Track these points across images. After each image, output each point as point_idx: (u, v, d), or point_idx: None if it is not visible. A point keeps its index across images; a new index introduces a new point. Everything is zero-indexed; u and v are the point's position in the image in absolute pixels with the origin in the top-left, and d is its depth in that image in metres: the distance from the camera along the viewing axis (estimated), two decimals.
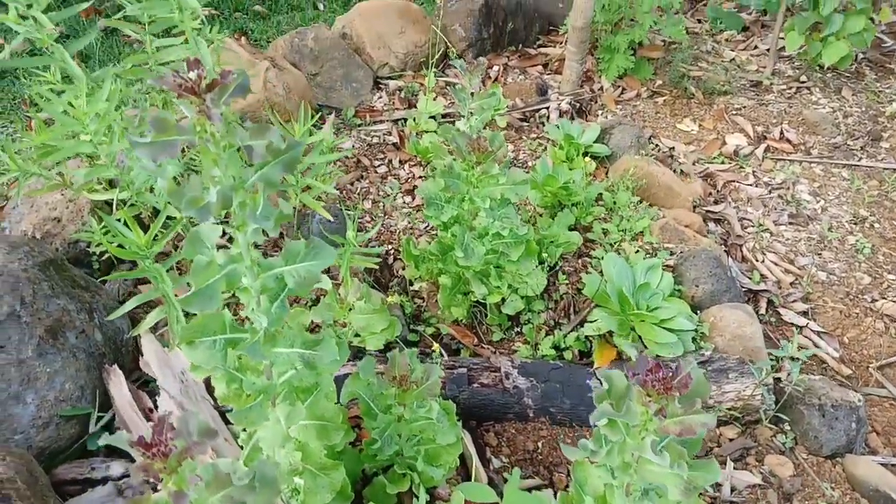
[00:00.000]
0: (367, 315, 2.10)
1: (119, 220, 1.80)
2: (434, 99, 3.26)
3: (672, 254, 2.53)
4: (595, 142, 3.07)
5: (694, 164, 3.42)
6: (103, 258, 2.29)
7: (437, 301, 2.36)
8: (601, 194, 2.75)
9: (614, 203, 2.71)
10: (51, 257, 2.03)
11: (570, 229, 2.57)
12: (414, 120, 3.22)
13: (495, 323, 2.33)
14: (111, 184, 2.16)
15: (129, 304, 1.84)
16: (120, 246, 1.77)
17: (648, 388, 1.13)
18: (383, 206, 2.83)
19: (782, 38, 3.90)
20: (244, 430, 1.56)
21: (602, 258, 2.48)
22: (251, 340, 1.34)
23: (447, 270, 2.26)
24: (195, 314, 1.31)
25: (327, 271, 2.43)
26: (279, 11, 4.52)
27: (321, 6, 4.62)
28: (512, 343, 2.31)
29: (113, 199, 1.96)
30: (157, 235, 1.78)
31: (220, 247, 1.29)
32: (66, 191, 2.23)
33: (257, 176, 1.21)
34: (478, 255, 2.16)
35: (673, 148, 3.50)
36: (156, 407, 1.91)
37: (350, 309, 2.12)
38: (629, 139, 3.08)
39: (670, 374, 1.14)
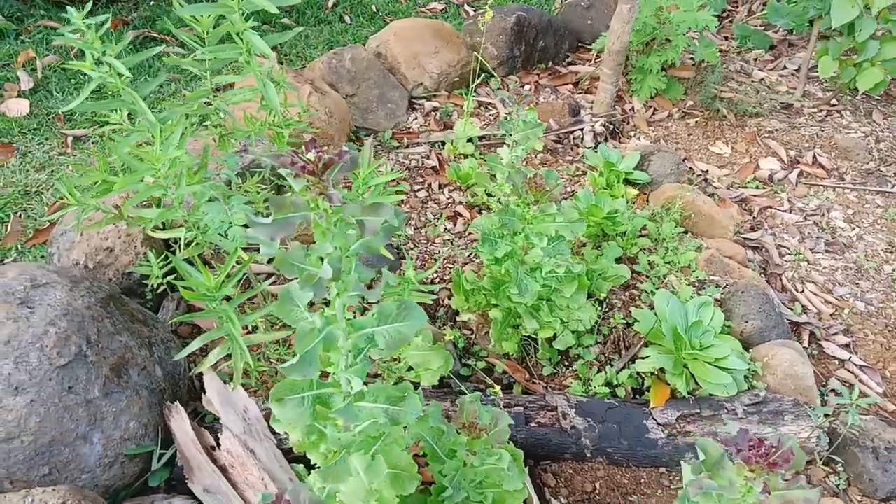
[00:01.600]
0: (424, 352, 2.11)
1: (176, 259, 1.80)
2: (468, 120, 3.26)
3: (718, 287, 2.54)
4: (634, 168, 3.07)
5: (728, 188, 3.43)
6: (159, 290, 2.28)
7: (486, 334, 2.37)
8: (645, 224, 2.75)
9: (659, 234, 2.72)
10: (110, 292, 2.04)
11: (616, 261, 2.58)
12: (452, 143, 3.22)
13: (545, 357, 2.33)
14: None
15: (195, 344, 1.83)
16: (185, 287, 1.77)
17: (752, 465, 1.14)
18: (425, 232, 2.83)
19: (812, 60, 3.90)
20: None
21: (650, 292, 2.49)
22: (344, 403, 1.35)
23: (499, 305, 2.26)
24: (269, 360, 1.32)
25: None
26: (307, 24, 4.51)
27: (348, 19, 4.62)
28: (563, 378, 2.32)
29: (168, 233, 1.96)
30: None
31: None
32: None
33: (359, 244, 1.21)
34: (532, 291, 2.16)
35: (707, 171, 3.51)
36: (218, 444, 1.91)
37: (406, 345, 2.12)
38: (668, 166, 3.09)
39: (772, 448, 1.15)
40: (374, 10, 4.74)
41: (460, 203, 2.99)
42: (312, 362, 1.24)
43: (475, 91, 3.82)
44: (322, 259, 1.21)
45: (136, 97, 1.78)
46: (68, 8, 1.72)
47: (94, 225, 2.07)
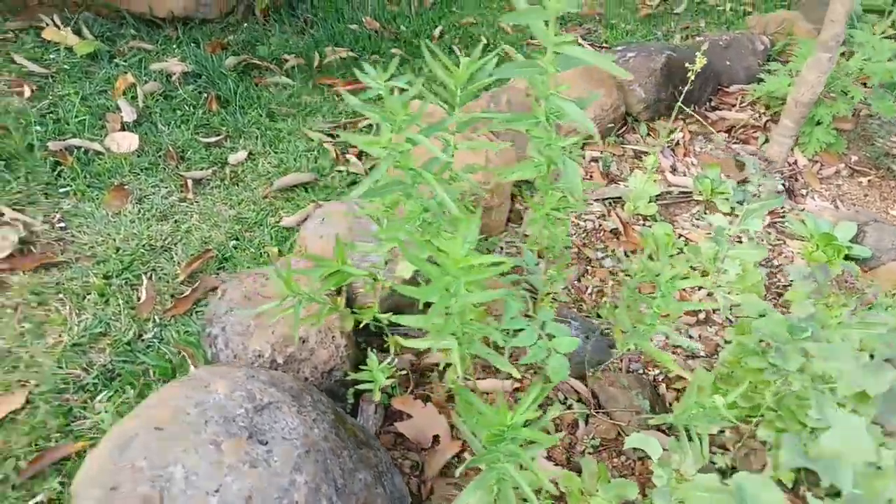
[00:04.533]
0: (712, 494, 1.68)
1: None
2: (651, 176, 2.86)
3: None
4: (851, 241, 2.67)
5: None
6: (377, 400, 1.85)
7: (746, 456, 1.95)
8: None
9: None
10: (333, 408, 1.61)
11: None
12: (631, 200, 2.82)
13: None
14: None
15: (467, 496, 1.41)
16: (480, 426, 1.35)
17: None
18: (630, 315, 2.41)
19: None
20: None
21: None
22: None
23: (777, 425, 1.85)
24: None
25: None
26: (418, 55, 4.13)
27: (457, 50, 4.24)
28: None
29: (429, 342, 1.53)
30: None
31: None
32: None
33: None
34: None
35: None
36: None
37: (685, 482, 1.70)
38: (888, 239, 2.69)
39: None
40: (485, 41, 4.36)
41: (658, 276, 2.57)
42: None
43: (622, 137, 3.43)
44: None
45: (432, 183, 1.36)
46: (365, 66, 1.32)
47: (310, 318, 1.65)
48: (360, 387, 1.78)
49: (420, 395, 1.96)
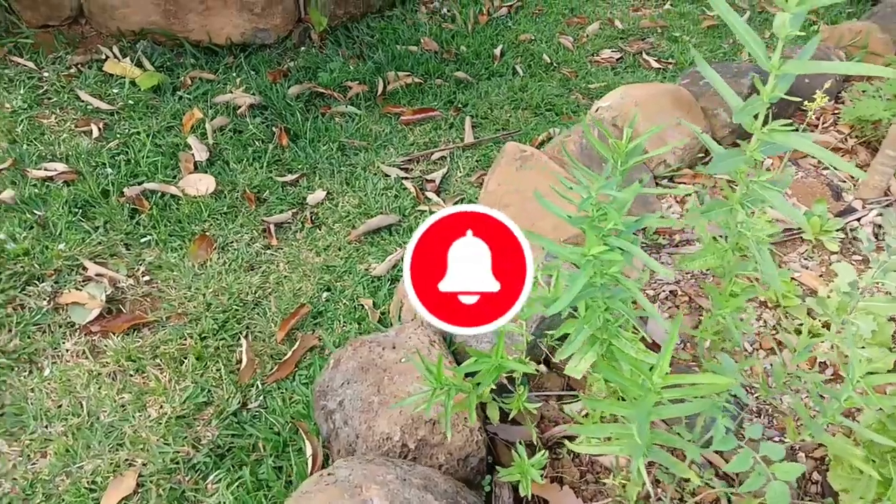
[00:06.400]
0: None
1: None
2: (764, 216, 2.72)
3: None
4: None
5: None
6: (525, 495, 1.72)
7: None
8: None
9: None
10: None
11: None
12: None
13: None
14: None
15: None
16: None
17: None
18: (760, 374, 2.28)
19: None
20: None
21: None
22: None
23: None
24: None
25: None
26: (479, 77, 4.00)
27: (520, 70, 4.10)
28: None
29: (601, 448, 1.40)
30: None
31: None
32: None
33: None
34: None
35: None
36: None
37: None
38: None
39: None
40: (548, 60, 4.22)
41: (778, 326, 2.43)
42: None
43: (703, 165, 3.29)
44: None
45: (634, 291, 1.23)
46: (577, 175, 1.19)
47: (458, 406, 1.53)
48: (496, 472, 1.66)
49: (553, 477, 1.84)
